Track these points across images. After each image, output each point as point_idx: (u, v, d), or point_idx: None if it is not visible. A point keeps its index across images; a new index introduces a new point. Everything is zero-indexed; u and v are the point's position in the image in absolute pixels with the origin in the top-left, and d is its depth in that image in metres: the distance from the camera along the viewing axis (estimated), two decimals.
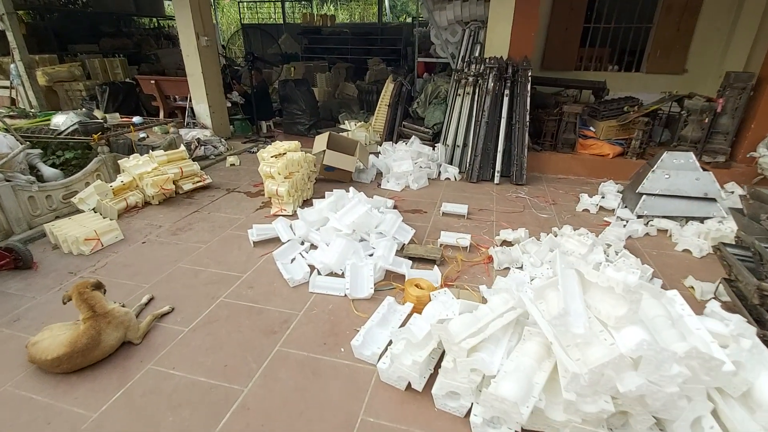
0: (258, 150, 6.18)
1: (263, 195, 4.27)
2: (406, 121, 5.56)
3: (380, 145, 5.41)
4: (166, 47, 12.95)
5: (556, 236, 3.26)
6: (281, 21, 16.03)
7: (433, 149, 5.03)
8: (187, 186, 4.24)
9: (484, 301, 2.42)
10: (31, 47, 9.27)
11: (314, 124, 6.74)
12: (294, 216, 3.71)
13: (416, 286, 2.44)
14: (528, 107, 4.46)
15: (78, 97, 7.85)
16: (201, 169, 4.94)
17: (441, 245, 3.14)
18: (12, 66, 7.33)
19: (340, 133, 5.32)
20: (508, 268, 2.87)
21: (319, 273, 2.72)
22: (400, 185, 4.44)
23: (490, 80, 4.42)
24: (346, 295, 2.55)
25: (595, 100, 5.28)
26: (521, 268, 2.85)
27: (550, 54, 5.56)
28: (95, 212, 3.59)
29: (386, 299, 2.37)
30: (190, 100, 6.40)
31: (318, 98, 7.66)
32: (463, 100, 4.80)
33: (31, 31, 10.33)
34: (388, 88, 5.71)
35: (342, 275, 2.71)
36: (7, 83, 7.59)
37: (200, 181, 4.37)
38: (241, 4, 17.01)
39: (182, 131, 5.99)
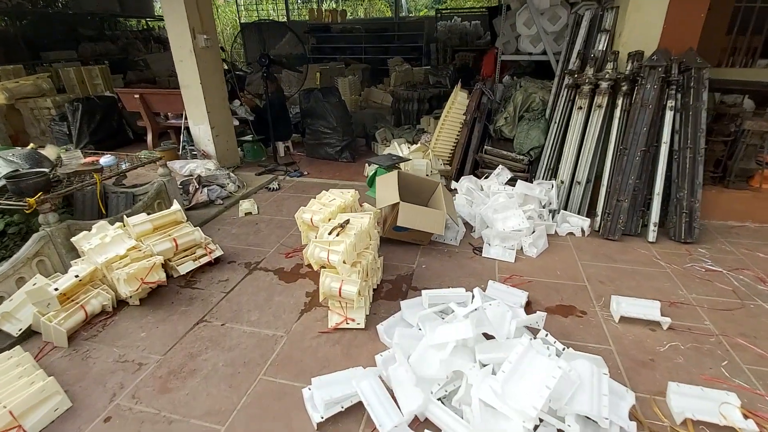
0: (278, 184, 4.66)
1: (303, 273, 2.75)
2: (487, 143, 4.02)
3: (455, 181, 3.87)
4: (157, 51, 11.39)
5: None
6: (284, 18, 14.45)
7: (531, 184, 3.50)
8: (186, 267, 2.70)
9: None
10: None
11: (347, 146, 5.20)
12: (372, 332, 2.17)
13: None
14: (704, 126, 2.93)
15: (46, 117, 6.29)
16: (204, 225, 3.44)
17: (688, 423, 1.61)
18: None
19: (385, 157, 3.78)
20: None
21: None
22: (510, 251, 2.91)
23: (650, 86, 2.88)
24: None
25: (755, 109, 3.74)
26: None
27: None
28: (22, 350, 2.04)
29: None
30: (186, 119, 4.86)
31: None
32: (589, 115, 3.26)
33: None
34: (456, 99, 4.17)
35: None
36: None
37: (205, 255, 2.84)
38: (237, 1, 15.42)
39: (176, 164, 4.45)
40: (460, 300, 2.10)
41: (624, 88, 3.05)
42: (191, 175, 4.35)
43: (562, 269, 2.76)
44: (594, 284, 2.59)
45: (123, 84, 8.31)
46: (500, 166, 3.79)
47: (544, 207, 3.28)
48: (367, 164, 4.48)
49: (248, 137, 5.45)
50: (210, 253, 2.86)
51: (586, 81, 3.25)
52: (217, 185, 4.05)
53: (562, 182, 3.42)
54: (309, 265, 2.82)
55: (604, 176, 3.20)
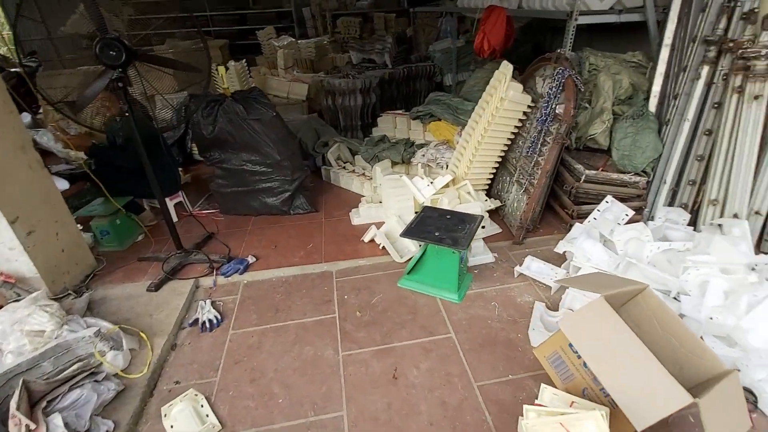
0: (213, 309, 2.10)
1: None
2: (582, 163, 2.51)
3: (570, 243, 2.30)
4: None
5: None
6: None
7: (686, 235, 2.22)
8: None
9: None
10: None
11: (300, 187, 3.08)
12: None
13: None
14: None
15: None
16: None
17: None
18: None
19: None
20: None
21: None
22: None
23: None
24: None
25: None
26: None
27: None
28: None
29: None
30: None
31: None
32: None
33: None
34: (508, 96, 2.49)
35: None
36: None
37: None
38: None
39: None
40: None
41: None
42: None
43: None
44: None
45: None
46: (608, 198, 2.38)
47: (756, 272, 2.01)
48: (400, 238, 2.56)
49: (94, 207, 2.82)
50: None
51: (763, 53, 1.99)
52: (80, 379, 1.64)
53: (736, 216, 2.19)
54: None
55: None
